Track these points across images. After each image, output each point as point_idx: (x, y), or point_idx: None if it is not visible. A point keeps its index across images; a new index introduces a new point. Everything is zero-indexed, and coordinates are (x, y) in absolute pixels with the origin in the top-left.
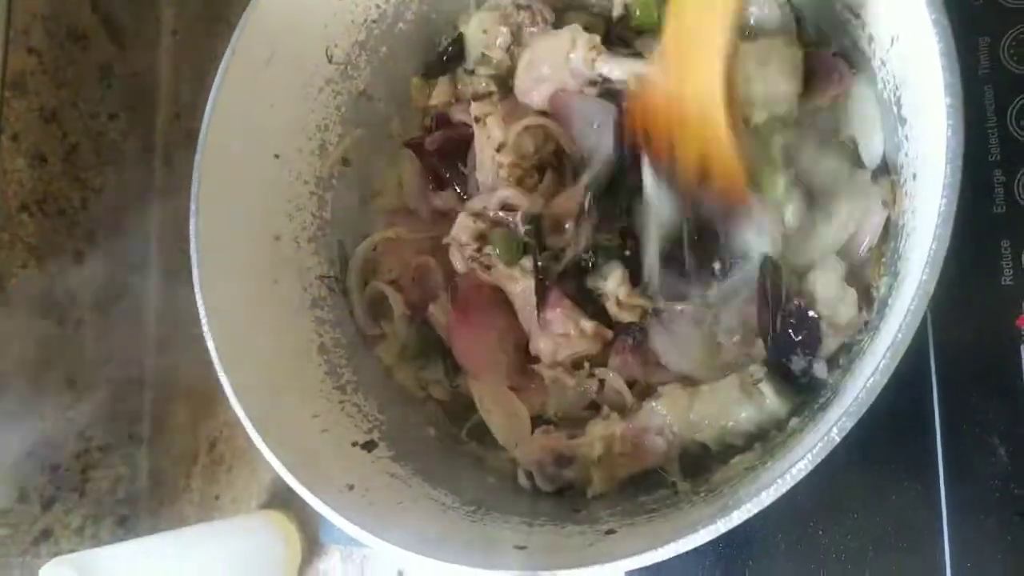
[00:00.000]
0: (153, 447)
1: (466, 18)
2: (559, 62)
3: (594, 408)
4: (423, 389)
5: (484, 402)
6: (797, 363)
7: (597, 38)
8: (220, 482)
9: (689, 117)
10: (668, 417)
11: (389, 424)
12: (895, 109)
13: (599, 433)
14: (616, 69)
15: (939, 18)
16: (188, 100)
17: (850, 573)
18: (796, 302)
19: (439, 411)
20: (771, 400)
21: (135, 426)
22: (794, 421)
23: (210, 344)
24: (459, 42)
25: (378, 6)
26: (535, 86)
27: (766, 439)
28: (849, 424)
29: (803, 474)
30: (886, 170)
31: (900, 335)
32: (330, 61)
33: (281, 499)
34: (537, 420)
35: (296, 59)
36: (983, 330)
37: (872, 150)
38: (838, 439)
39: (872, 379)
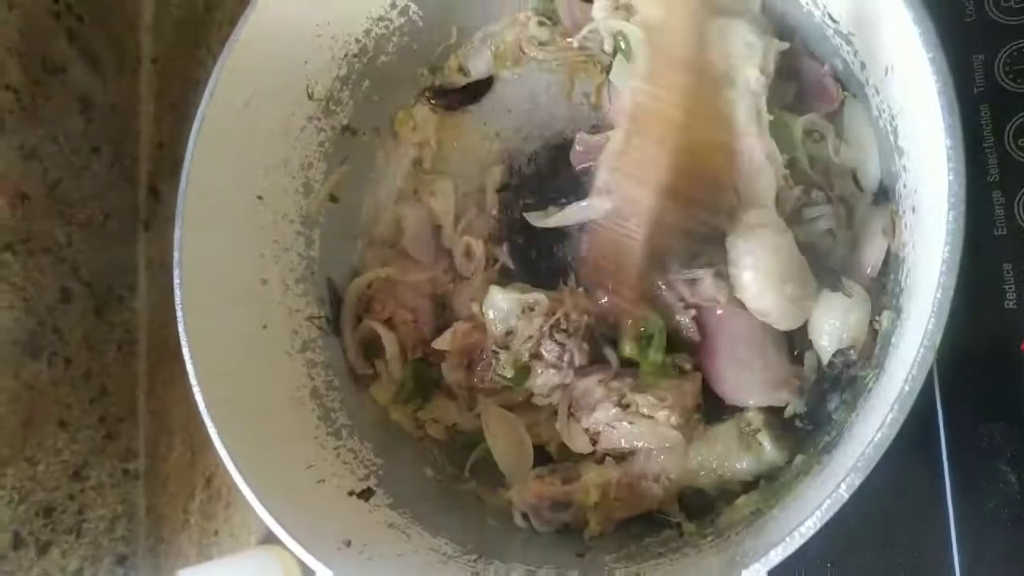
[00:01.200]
0: (149, 484)
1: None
2: None
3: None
4: (420, 428)
5: (491, 427)
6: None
7: None
8: (218, 517)
9: None
10: (665, 463)
11: (386, 468)
12: (892, 138)
13: (594, 480)
14: None
15: (936, 56)
16: (171, 128)
17: None
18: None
19: (437, 451)
20: (769, 450)
21: (130, 463)
22: (799, 460)
23: (199, 398)
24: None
25: (358, 40)
26: None
27: (771, 478)
28: (858, 480)
29: (812, 532)
30: (886, 195)
31: (907, 387)
32: (311, 98)
33: None
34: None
35: (276, 98)
36: (988, 355)
37: (869, 174)
38: (847, 496)
39: (880, 433)
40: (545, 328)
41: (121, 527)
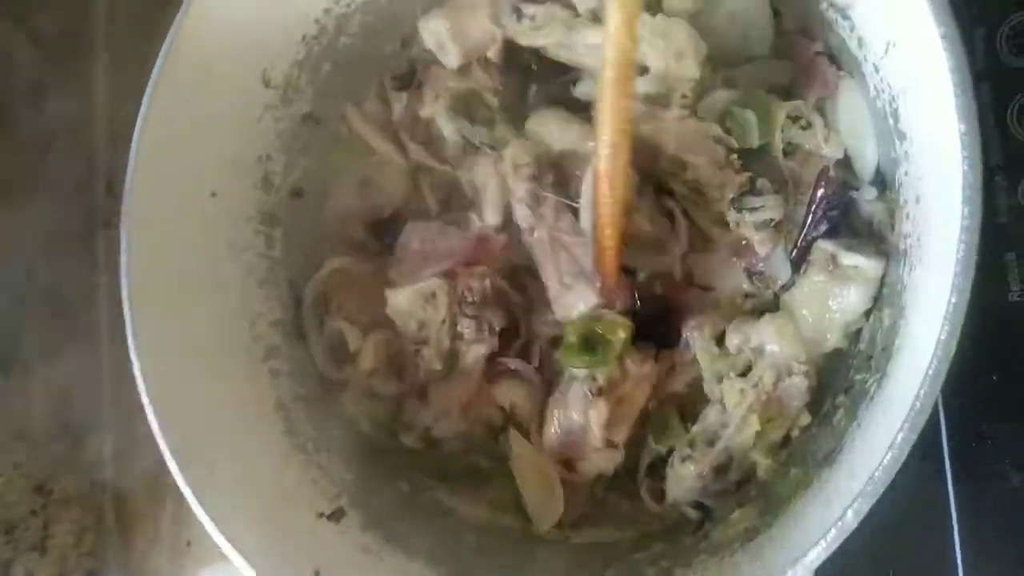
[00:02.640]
0: (118, 494)
1: None
2: None
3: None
4: (393, 438)
5: (520, 468)
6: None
7: None
8: (191, 526)
9: None
10: (786, 352)
11: (357, 484)
12: (891, 121)
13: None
14: None
15: (948, 31)
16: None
17: None
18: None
19: (411, 462)
20: (866, 264)
21: (97, 473)
22: (794, 472)
23: (151, 417)
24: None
25: (317, 21)
26: None
27: (765, 492)
28: (866, 506)
29: (817, 564)
30: (883, 184)
31: (919, 403)
32: (267, 85)
33: None
34: None
35: (229, 86)
36: (991, 351)
37: (866, 162)
38: (855, 524)
39: (890, 454)
40: (454, 308)
41: (88, 541)
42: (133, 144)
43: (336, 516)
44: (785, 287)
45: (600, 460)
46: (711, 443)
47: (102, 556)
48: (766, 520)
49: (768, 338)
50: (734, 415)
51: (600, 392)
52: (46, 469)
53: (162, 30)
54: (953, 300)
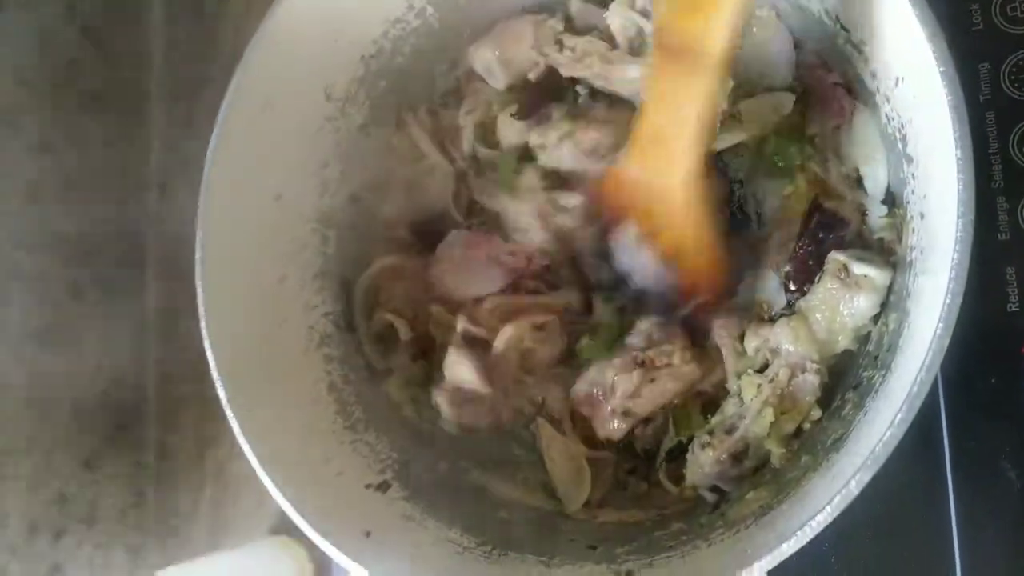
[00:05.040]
0: (159, 475)
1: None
2: None
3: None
4: (432, 424)
5: (549, 451)
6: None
7: None
8: (228, 508)
9: (657, 210)
10: (799, 352)
11: (401, 462)
12: (900, 146)
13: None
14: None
15: (948, 71)
16: (181, 126)
17: None
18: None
19: (450, 445)
20: (876, 274)
21: (140, 455)
22: (806, 459)
23: (221, 392)
24: None
25: (375, 42)
26: None
27: (779, 476)
28: (867, 476)
29: (822, 526)
30: (893, 202)
31: (915, 388)
32: (329, 99)
33: (290, 524)
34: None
35: (295, 99)
36: (990, 357)
37: (877, 180)
38: (856, 492)
39: (890, 432)
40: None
41: (132, 517)
42: (209, 150)
43: (382, 487)
44: (798, 295)
45: (609, 425)
46: (729, 432)
47: (143, 532)
48: (779, 499)
49: (784, 339)
50: (751, 407)
51: (642, 364)
52: (95, 447)
53: (214, 44)
54: (947, 301)
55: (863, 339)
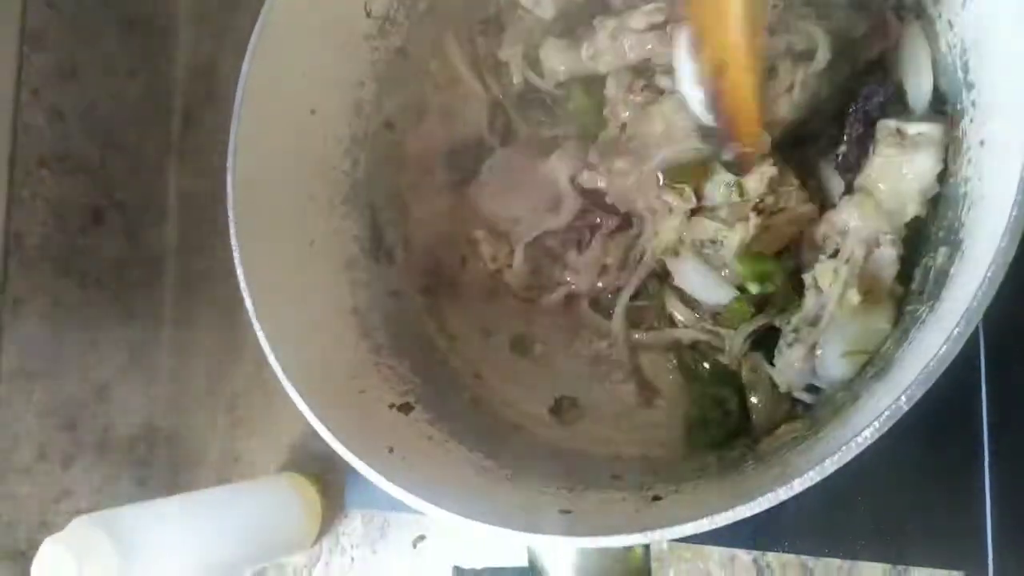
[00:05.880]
0: (170, 408)
1: None
2: None
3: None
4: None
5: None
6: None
7: None
8: (239, 443)
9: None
10: (867, 222)
11: (424, 387)
12: (961, 74)
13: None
14: None
15: None
16: (208, 54)
17: (888, 549)
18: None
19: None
20: (926, 128)
21: (152, 387)
22: (841, 395)
23: (248, 301)
24: None
25: None
26: None
27: (813, 409)
28: (919, 393)
29: (869, 442)
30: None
31: (976, 303)
32: (368, 15)
33: (301, 461)
34: None
35: (335, 12)
36: None
37: (920, 94)
38: (906, 407)
39: (945, 347)
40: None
41: (141, 449)
42: (247, 55)
43: (405, 409)
44: (855, 172)
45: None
46: (814, 324)
47: (152, 465)
48: (814, 430)
49: (852, 217)
50: (831, 293)
51: (760, 212)
52: (107, 377)
53: None
54: (1014, 213)
55: (931, 204)
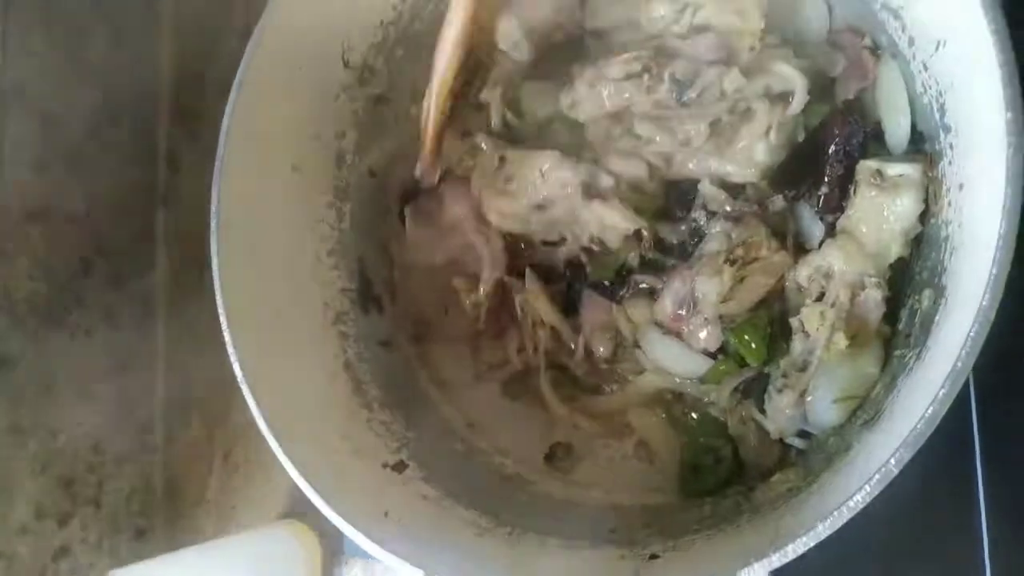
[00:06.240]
0: (167, 459)
1: None
2: None
3: None
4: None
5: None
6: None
7: None
8: (237, 491)
9: None
10: (852, 266)
11: (417, 441)
12: (937, 116)
13: (814, 319)
14: None
15: (998, 28)
16: (191, 98)
17: None
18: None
19: (463, 425)
20: (908, 169)
21: (147, 436)
22: (832, 440)
23: (236, 369)
24: None
25: (394, 7)
26: None
27: (806, 456)
28: (907, 455)
29: (861, 506)
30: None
31: (960, 363)
32: (346, 66)
33: (299, 507)
34: None
35: (313, 65)
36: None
37: (899, 133)
38: (896, 471)
39: (932, 408)
40: None
41: (138, 501)
42: (226, 113)
43: (399, 467)
44: (837, 215)
45: (704, 334)
46: (803, 369)
47: (150, 516)
48: (807, 480)
49: (835, 260)
50: (819, 337)
51: (732, 263)
52: (102, 429)
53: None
54: (994, 271)
55: (914, 244)
